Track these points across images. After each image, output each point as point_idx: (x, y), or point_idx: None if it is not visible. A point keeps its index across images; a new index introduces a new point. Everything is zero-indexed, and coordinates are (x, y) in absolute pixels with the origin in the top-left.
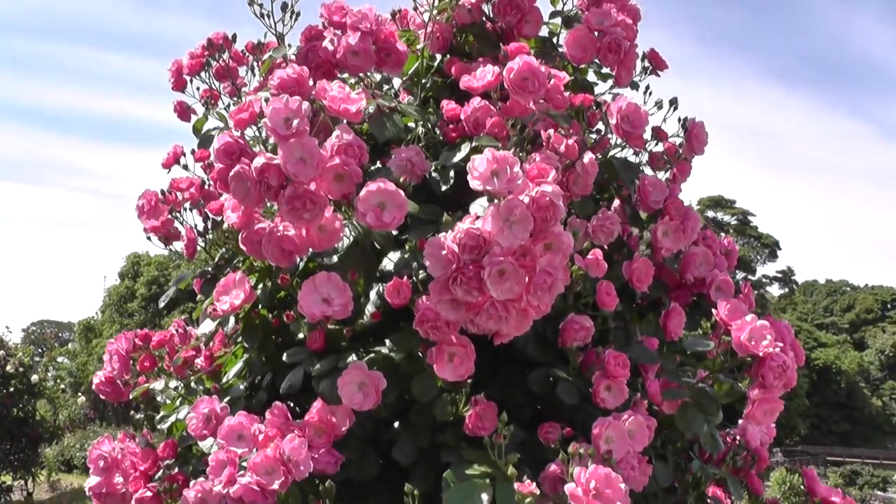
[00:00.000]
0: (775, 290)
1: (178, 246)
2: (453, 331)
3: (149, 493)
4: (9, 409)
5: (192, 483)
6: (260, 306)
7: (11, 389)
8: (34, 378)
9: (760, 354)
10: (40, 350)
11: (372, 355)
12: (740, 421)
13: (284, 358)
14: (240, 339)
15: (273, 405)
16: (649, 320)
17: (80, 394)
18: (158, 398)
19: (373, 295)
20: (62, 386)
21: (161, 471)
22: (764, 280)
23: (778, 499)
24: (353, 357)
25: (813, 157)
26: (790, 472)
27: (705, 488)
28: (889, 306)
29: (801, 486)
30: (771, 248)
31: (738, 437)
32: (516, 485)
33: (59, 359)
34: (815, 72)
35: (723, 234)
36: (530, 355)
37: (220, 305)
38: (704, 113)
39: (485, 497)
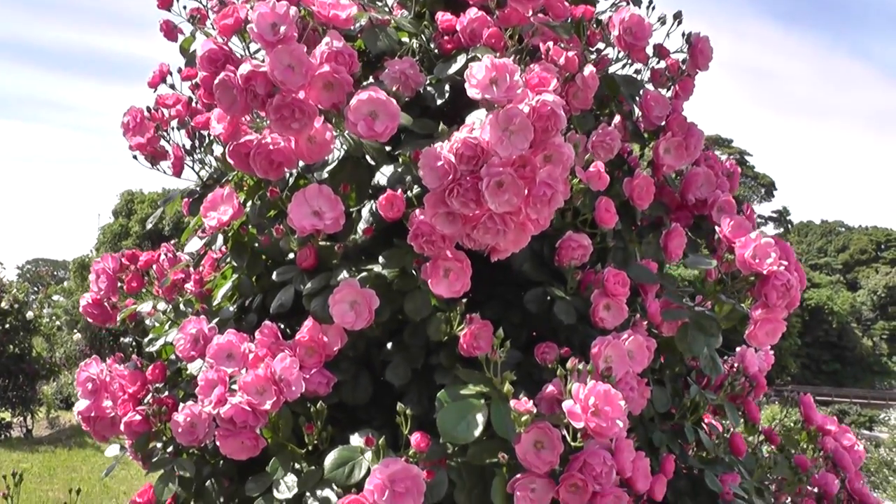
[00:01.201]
0: (770, 231)
1: (166, 166)
2: (449, 245)
3: (138, 417)
4: (5, 345)
5: (181, 407)
6: (250, 225)
7: (7, 326)
8: (29, 315)
9: (765, 272)
10: (35, 288)
11: (364, 273)
12: (738, 349)
13: (274, 277)
14: (228, 259)
15: (263, 325)
16: (649, 241)
17: (75, 331)
18: (147, 322)
19: (365, 212)
20: (58, 323)
21: (150, 394)
22: (759, 220)
23: (772, 428)
24: (344, 274)
25: (812, 97)
26: (783, 408)
27: (703, 414)
28: (883, 247)
29: (792, 424)
30: (767, 187)
31: (736, 364)
32: (513, 402)
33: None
34: (814, 11)
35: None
36: (527, 274)
37: (208, 221)
38: None
39: (480, 417)
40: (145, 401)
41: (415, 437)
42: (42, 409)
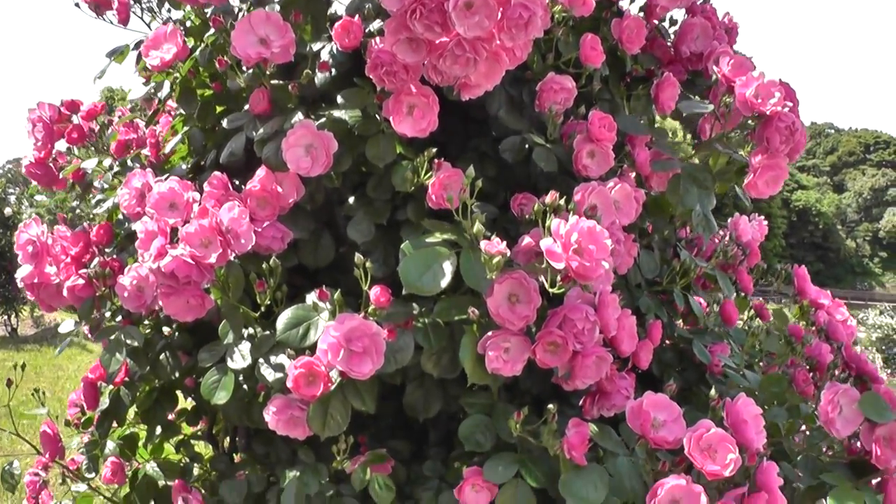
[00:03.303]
0: None
1: (111, 16)
2: (412, 78)
3: (81, 281)
4: None
5: (127, 269)
6: (201, 69)
7: None
8: (8, 211)
9: (767, 113)
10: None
11: (322, 119)
12: (730, 219)
13: (224, 123)
14: (179, 110)
15: (212, 175)
16: (639, 96)
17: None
18: (95, 183)
19: (325, 53)
20: None
21: (96, 258)
22: None
23: (762, 301)
24: (299, 117)
25: None
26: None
27: (693, 279)
28: (871, 149)
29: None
30: None
31: (729, 234)
32: (483, 243)
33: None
34: None
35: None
36: (503, 122)
37: (150, 61)
38: None
39: (448, 265)
40: (91, 265)
41: (374, 291)
42: (26, 308)
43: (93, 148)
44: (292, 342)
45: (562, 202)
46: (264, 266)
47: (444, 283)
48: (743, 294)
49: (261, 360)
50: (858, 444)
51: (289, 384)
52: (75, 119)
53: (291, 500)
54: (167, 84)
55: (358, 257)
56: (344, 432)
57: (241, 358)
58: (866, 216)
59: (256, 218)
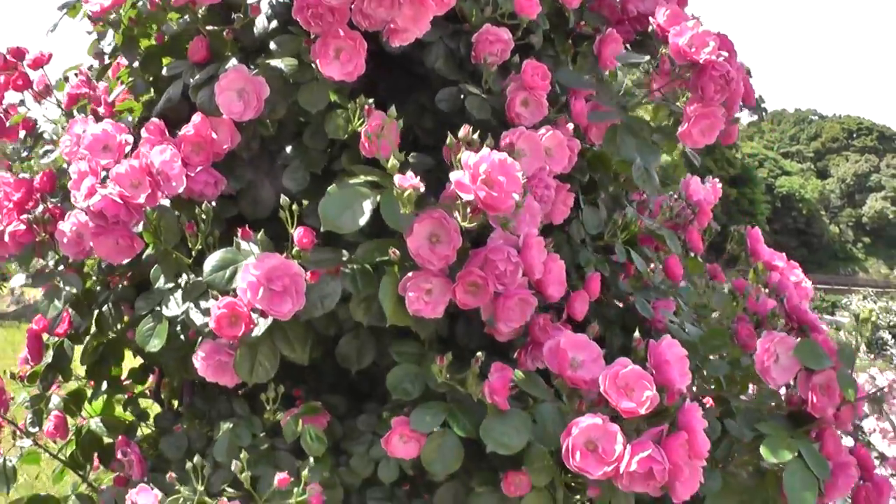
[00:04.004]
0: (744, 118)
1: None
2: (339, 22)
3: (22, 227)
4: None
5: (66, 215)
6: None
7: None
8: None
9: (701, 62)
10: None
11: (256, 69)
12: (682, 179)
13: (164, 71)
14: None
15: (149, 121)
16: (584, 53)
17: None
18: (46, 136)
19: (265, 4)
20: None
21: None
22: None
23: (717, 266)
24: (234, 62)
25: None
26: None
27: (637, 233)
28: (855, 135)
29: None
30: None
31: (679, 193)
32: (396, 177)
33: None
34: None
35: None
36: (440, 73)
37: (90, 7)
38: None
39: (367, 204)
40: (36, 212)
41: (298, 232)
42: (6, 284)
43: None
44: (218, 284)
45: (475, 136)
46: (196, 211)
47: (363, 221)
48: (693, 254)
49: (191, 304)
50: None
51: (211, 325)
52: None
53: (224, 452)
54: (111, 33)
55: (284, 199)
56: (281, 385)
57: (175, 305)
58: (849, 202)
59: (191, 163)
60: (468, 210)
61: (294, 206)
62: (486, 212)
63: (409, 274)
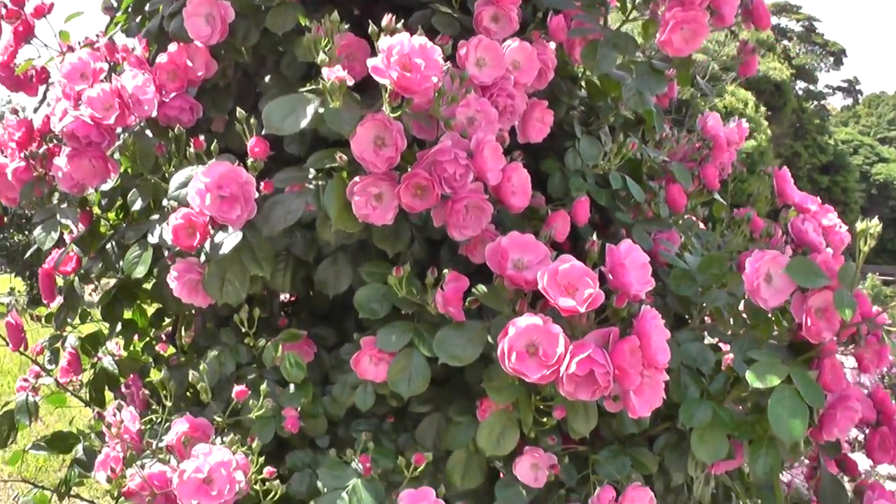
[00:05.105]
0: (838, 101)
1: None
2: None
3: (22, 164)
4: None
5: (62, 150)
6: None
7: None
8: None
9: None
10: None
11: None
12: (699, 115)
13: (147, 7)
14: None
15: (130, 51)
16: None
17: None
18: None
19: None
20: None
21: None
22: (826, 90)
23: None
24: None
25: None
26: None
27: (642, 166)
28: None
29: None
30: (836, 56)
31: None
32: (324, 70)
33: None
34: None
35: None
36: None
37: None
38: None
39: (310, 108)
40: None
41: (251, 142)
42: None
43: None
44: (183, 200)
45: (399, 25)
46: (170, 135)
47: (304, 123)
48: (707, 190)
49: (164, 225)
50: None
51: (169, 238)
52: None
53: (207, 378)
54: None
55: (240, 112)
56: (256, 308)
57: (159, 235)
58: None
59: (166, 89)
60: (388, 96)
61: (252, 121)
62: (407, 97)
63: (356, 178)
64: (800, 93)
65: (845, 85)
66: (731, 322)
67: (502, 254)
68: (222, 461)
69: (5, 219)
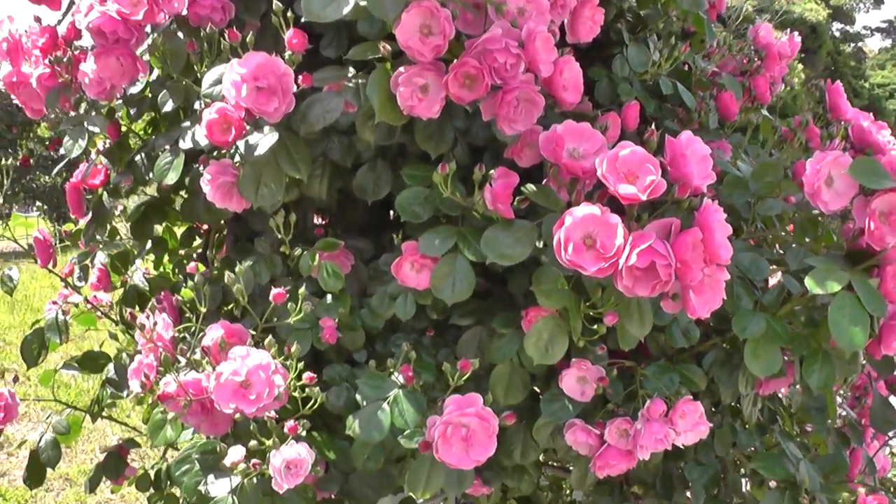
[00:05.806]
0: (876, 43)
1: None
2: None
3: (47, 71)
4: None
5: (89, 55)
6: None
7: None
8: None
9: None
10: None
11: None
12: (751, 26)
13: None
14: None
15: None
16: None
17: None
18: None
19: None
20: None
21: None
22: (864, 32)
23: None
24: None
25: None
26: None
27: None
28: None
29: None
30: None
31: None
32: None
33: None
34: None
35: None
36: None
37: None
38: None
39: None
40: (65, 59)
41: (289, 34)
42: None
43: None
44: (217, 97)
45: None
46: (202, 34)
47: (346, 10)
48: (758, 104)
49: (197, 126)
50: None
51: (202, 136)
52: None
53: (243, 287)
54: None
55: (276, 4)
56: (293, 214)
57: (191, 139)
58: None
59: None
60: None
61: (289, 13)
62: None
63: (401, 69)
64: (836, 34)
65: (884, 26)
66: (784, 235)
67: (557, 141)
68: (261, 364)
69: (31, 161)
